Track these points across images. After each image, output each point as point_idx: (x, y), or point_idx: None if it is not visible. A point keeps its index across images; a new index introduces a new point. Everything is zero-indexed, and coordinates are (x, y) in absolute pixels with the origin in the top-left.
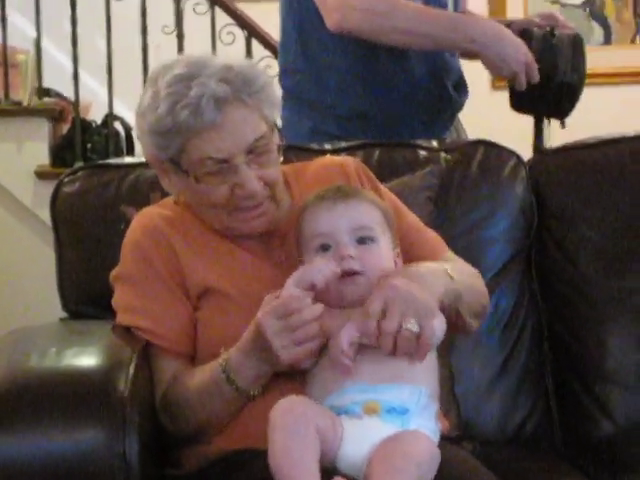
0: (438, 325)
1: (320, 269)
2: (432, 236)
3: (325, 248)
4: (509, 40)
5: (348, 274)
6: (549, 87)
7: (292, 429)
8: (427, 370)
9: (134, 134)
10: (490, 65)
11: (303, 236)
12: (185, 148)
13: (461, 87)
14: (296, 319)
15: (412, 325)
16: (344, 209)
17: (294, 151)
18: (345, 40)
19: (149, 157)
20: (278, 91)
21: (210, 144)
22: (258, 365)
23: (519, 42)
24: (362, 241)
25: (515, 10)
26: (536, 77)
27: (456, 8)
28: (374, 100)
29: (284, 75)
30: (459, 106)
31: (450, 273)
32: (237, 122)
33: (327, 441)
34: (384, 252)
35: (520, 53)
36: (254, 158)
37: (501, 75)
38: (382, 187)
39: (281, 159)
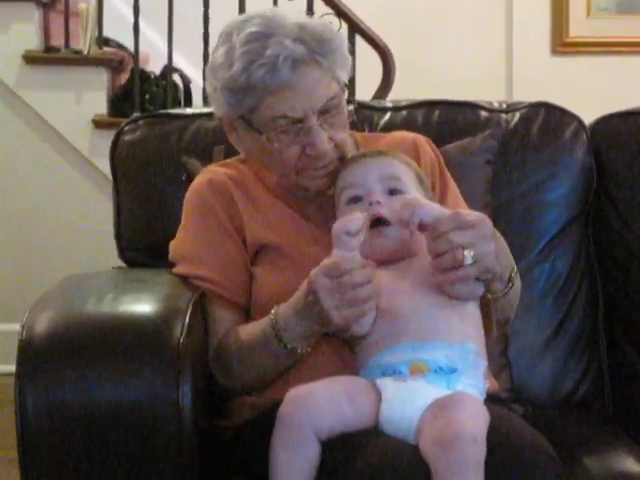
0: (477, 286)
1: (353, 217)
2: None
3: (356, 200)
4: None
5: (376, 224)
6: None
7: (292, 444)
8: (475, 327)
9: (192, 87)
10: None
11: (337, 190)
12: (258, 106)
13: None
14: (347, 280)
15: (470, 256)
16: (376, 162)
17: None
18: None
19: (219, 113)
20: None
21: (284, 103)
22: (308, 324)
23: None
24: (392, 192)
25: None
26: None
27: None
28: None
29: None
30: None
31: (513, 272)
32: (311, 82)
33: (346, 415)
34: None
35: None
36: (326, 119)
37: None
38: (448, 175)
39: (352, 119)
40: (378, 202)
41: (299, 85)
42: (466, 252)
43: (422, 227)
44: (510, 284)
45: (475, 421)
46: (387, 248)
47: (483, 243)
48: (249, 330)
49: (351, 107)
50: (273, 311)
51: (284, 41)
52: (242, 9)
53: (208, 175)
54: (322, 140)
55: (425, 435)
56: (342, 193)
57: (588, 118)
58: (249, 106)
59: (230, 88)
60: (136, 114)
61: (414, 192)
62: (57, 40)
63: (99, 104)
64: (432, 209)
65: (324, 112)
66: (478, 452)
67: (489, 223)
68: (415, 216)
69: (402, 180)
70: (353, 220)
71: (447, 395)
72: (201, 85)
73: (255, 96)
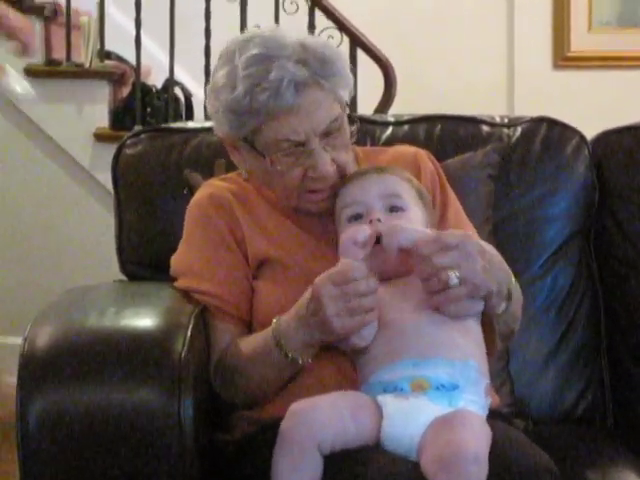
0: (475, 303)
1: (362, 229)
2: None
3: (357, 217)
4: None
5: (378, 241)
6: None
7: (295, 458)
8: (477, 344)
9: (194, 100)
10: None
11: (337, 208)
12: (261, 129)
13: None
14: (352, 288)
15: (454, 277)
16: (376, 179)
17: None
18: None
19: (221, 134)
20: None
21: (287, 126)
22: (309, 332)
23: None
24: (392, 210)
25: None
26: None
27: None
28: None
29: None
30: None
31: (511, 285)
32: (314, 105)
33: (348, 431)
34: (415, 223)
35: None
36: (328, 141)
37: None
38: (449, 189)
39: (354, 139)
40: (379, 220)
41: (302, 109)
42: (450, 273)
43: (407, 251)
44: (510, 298)
45: (477, 440)
46: (385, 265)
47: (468, 262)
48: (250, 342)
49: (354, 127)
50: (275, 320)
51: (286, 64)
52: (244, 23)
53: (209, 189)
54: (325, 162)
55: (427, 453)
56: (343, 211)
57: (590, 132)
58: (252, 129)
59: (233, 110)
60: (137, 127)
61: (414, 209)
62: (58, 53)
63: (100, 117)
64: (411, 233)
65: (326, 134)
66: (479, 472)
67: (474, 240)
68: (393, 242)
69: (402, 197)
70: (362, 231)
71: (449, 413)
72: (202, 99)
73: (258, 119)
